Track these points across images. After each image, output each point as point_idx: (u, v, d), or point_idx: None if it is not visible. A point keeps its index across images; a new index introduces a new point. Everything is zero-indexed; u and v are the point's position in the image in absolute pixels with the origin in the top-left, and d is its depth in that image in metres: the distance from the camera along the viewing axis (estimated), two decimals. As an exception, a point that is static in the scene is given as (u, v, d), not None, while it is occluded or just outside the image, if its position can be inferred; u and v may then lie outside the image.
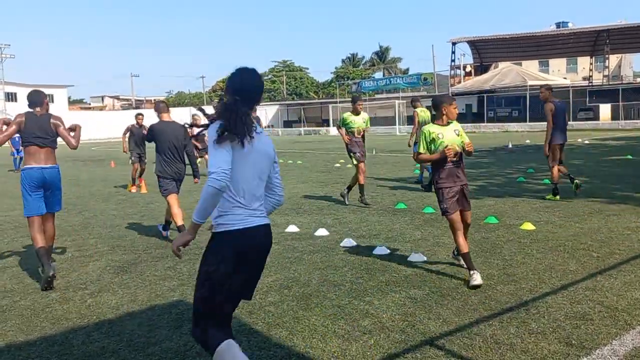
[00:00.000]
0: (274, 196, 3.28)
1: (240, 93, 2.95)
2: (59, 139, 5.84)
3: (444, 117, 5.24)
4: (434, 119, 5.42)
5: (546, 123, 9.19)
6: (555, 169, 9.27)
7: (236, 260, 2.89)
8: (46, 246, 5.62)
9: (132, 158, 13.09)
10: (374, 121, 54.22)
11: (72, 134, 5.89)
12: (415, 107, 11.89)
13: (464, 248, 5.13)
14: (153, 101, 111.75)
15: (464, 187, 5.32)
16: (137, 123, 13.14)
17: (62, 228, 8.40)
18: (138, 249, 6.81)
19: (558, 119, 9.17)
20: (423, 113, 11.67)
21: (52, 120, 5.78)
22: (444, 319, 4.16)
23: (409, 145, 11.97)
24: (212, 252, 2.94)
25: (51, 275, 5.26)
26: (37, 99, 5.86)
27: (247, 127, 2.85)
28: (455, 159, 5.19)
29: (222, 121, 2.83)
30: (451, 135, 5.21)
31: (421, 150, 5.30)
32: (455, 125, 5.32)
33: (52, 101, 75.66)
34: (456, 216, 5.22)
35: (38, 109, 5.81)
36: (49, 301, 4.94)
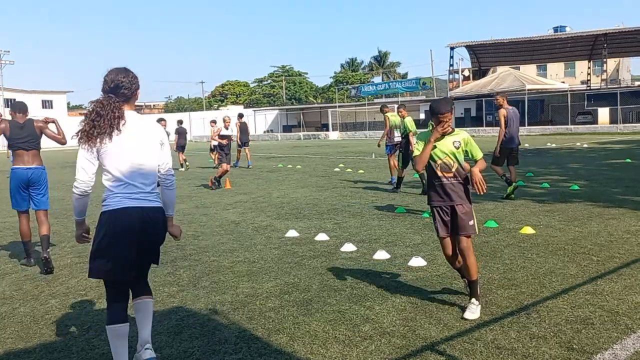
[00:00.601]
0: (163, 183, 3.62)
1: (113, 91, 3.38)
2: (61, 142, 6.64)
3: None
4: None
5: (499, 128, 10.07)
6: (499, 168, 10.09)
7: (112, 236, 3.29)
8: (31, 240, 6.66)
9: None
10: (373, 125, 54.41)
11: (54, 131, 6.60)
12: (384, 112, 12.47)
13: (468, 276, 4.43)
14: (152, 106, 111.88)
15: (457, 208, 4.43)
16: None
17: (62, 234, 8.39)
18: (138, 255, 6.79)
19: (510, 125, 9.92)
20: (394, 117, 12.31)
21: (36, 124, 6.45)
22: (445, 324, 4.15)
23: (378, 146, 13.54)
24: (96, 229, 3.38)
25: (44, 258, 6.08)
26: (22, 107, 6.60)
27: (114, 122, 3.28)
28: (448, 174, 4.42)
29: (83, 125, 3.31)
30: (447, 145, 4.42)
31: (415, 153, 4.55)
32: (459, 136, 4.46)
33: (52, 107, 75.79)
34: (445, 242, 4.57)
35: (20, 115, 6.49)
36: (48, 308, 4.93)
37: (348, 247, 6.62)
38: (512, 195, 9.87)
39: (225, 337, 4.09)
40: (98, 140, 3.25)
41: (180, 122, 22.19)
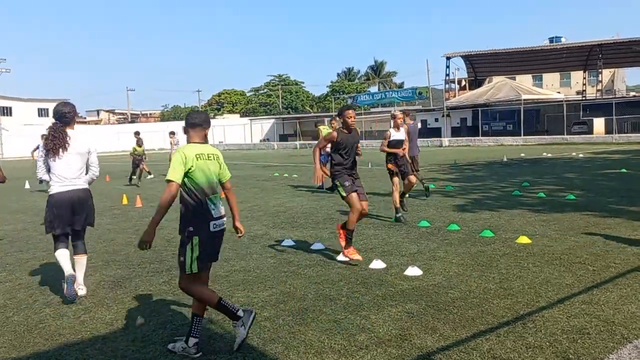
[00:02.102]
0: (90, 173, 5.62)
1: (59, 119, 5.40)
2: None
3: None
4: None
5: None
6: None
7: (58, 208, 5.34)
8: None
9: None
10: (370, 135, 54.50)
11: None
12: (317, 127, 14.57)
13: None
14: (149, 115, 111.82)
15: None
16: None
17: (57, 242, 8.35)
18: (133, 264, 6.77)
19: (411, 139, 11.45)
20: (326, 130, 13.86)
21: None
22: (441, 334, 4.14)
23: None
24: (46, 206, 5.42)
25: None
26: None
27: (61, 142, 5.30)
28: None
29: (47, 143, 5.34)
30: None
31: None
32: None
33: (48, 115, 75.64)
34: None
35: None
36: (42, 317, 4.90)
37: (344, 257, 6.61)
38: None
39: (220, 346, 4.07)
40: (57, 152, 5.30)
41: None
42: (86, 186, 5.51)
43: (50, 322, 4.76)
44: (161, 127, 66.39)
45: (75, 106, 5.55)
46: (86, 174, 5.56)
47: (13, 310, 5.11)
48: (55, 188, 5.32)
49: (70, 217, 5.37)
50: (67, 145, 5.31)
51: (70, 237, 5.54)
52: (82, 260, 5.57)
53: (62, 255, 5.39)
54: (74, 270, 5.43)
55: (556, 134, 42.24)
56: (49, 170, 5.40)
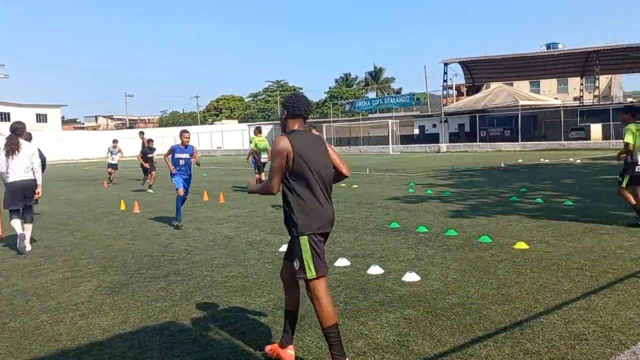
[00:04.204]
0: (36, 167, 8.21)
1: (13, 132, 8.10)
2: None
3: None
4: None
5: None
6: None
7: (13, 192, 8.02)
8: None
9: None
10: (368, 140, 54.55)
11: None
12: (255, 134, 15.40)
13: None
14: (147, 120, 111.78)
15: None
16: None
17: (54, 248, 8.34)
18: (130, 270, 6.75)
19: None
20: (258, 141, 15.26)
21: None
22: (439, 340, 4.13)
23: (246, 163, 16.79)
24: (4, 191, 7.75)
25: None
26: None
27: (14, 147, 7.99)
28: None
29: (5, 149, 8.03)
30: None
31: None
32: None
33: (46, 121, 75.67)
34: None
35: None
36: (39, 323, 4.88)
37: (342, 262, 6.61)
38: None
39: (217, 352, 4.06)
40: (12, 154, 7.95)
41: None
42: (32, 177, 8.16)
43: (47, 328, 4.74)
44: (161, 132, 66.46)
45: (24, 124, 8.47)
46: (43, 169, 8.80)
47: (9, 317, 5.09)
48: (11, 178, 8.02)
49: (21, 198, 8.11)
50: (19, 149, 8.03)
51: (22, 211, 8.22)
52: (29, 226, 8.30)
53: (16, 223, 8.17)
54: (25, 237, 8.08)
55: (554, 139, 42.33)
56: (7, 167, 7.99)
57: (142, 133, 20.40)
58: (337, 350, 3.48)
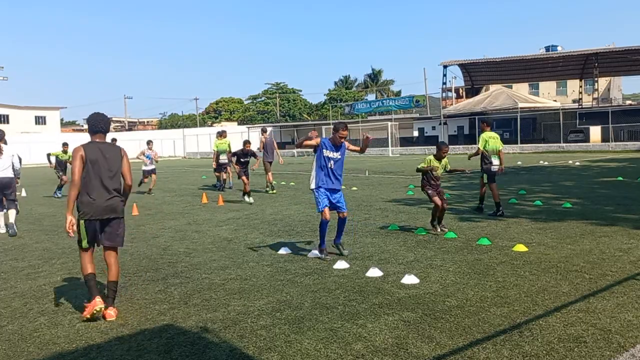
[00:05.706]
0: (16, 167, 9.97)
1: None
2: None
3: None
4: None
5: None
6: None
7: None
8: None
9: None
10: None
11: None
12: (217, 137, 17.48)
13: None
14: (146, 123, 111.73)
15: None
16: (245, 148, 14.51)
17: (52, 251, 8.32)
18: (128, 272, 6.74)
19: (266, 148, 16.49)
20: (219, 144, 17.29)
21: None
22: (437, 342, 4.12)
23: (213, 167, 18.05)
24: None
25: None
26: None
27: None
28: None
29: None
30: None
31: None
32: None
33: (45, 123, 75.64)
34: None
35: None
36: (37, 326, 4.87)
37: (341, 265, 6.60)
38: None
39: (216, 355, 4.05)
40: None
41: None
42: (12, 175, 9.87)
43: (45, 331, 4.73)
44: (160, 134, 66.48)
45: (4, 132, 10.13)
46: (18, 169, 10.18)
47: (7, 319, 5.08)
48: None
49: (2, 192, 9.85)
50: (1, 152, 9.60)
51: (6, 203, 10.05)
52: (12, 212, 10.02)
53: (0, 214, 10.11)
54: (9, 221, 9.97)
55: (553, 142, 42.38)
56: None
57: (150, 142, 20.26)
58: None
